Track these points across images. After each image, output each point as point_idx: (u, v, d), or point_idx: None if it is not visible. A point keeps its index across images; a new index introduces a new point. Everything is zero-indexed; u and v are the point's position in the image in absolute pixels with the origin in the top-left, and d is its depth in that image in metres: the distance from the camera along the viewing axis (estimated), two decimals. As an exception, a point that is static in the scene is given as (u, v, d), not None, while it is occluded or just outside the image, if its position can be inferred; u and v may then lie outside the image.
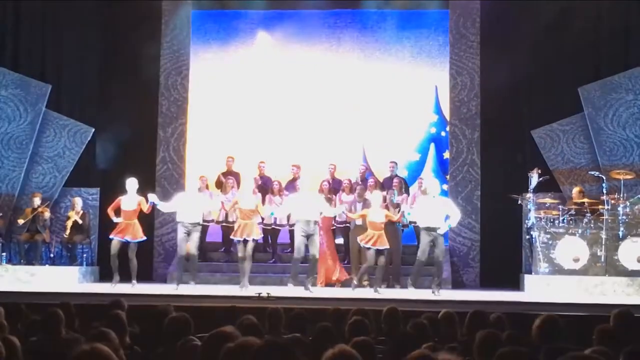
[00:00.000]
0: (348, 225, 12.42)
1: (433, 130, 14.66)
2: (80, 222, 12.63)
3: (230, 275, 11.29)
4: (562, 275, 11.58)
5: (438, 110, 14.63)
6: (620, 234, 11.67)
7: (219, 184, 13.21)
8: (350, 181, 12.86)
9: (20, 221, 12.43)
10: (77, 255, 12.66)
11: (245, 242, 10.99)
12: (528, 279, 11.76)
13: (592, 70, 13.43)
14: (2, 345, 4.09)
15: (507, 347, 3.88)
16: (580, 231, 11.72)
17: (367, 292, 11.02)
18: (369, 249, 10.99)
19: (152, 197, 11.37)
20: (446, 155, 14.20)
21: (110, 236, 11.33)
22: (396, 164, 13.26)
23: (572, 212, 11.83)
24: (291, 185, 12.76)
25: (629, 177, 12.02)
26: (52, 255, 12.80)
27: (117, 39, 14.12)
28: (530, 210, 11.96)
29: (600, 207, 11.75)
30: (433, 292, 10.71)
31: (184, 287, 10.97)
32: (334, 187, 12.85)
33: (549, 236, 11.78)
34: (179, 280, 11.12)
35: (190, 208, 11.20)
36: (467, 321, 5.80)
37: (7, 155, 13.19)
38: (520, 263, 12.69)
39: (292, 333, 5.41)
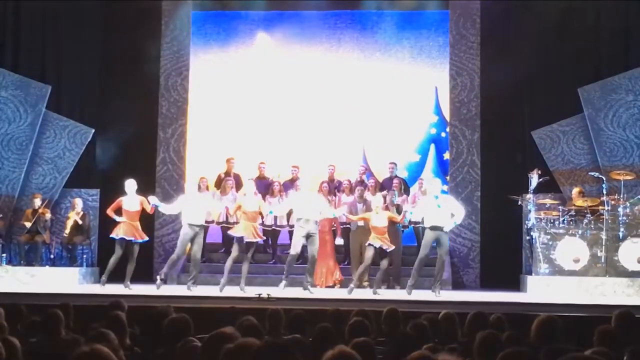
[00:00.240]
0: (348, 226, 12.41)
1: (433, 131, 14.66)
2: (80, 222, 12.63)
3: (231, 276, 11.27)
4: (562, 276, 11.58)
5: (438, 111, 14.63)
6: (621, 234, 11.67)
7: (219, 184, 13.21)
8: (350, 182, 12.86)
9: (27, 224, 12.40)
10: (77, 256, 12.66)
11: (246, 243, 10.97)
12: (528, 280, 11.76)
13: (592, 71, 13.43)
14: (2, 346, 4.09)
15: (509, 348, 3.87)
16: (580, 232, 11.72)
17: (367, 293, 11.01)
18: (372, 245, 10.89)
19: (153, 199, 11.37)
20: (446, 156, 14.20)
21: (113, 235, 11.21)
22: (396, 164, 13.26)
23: (572, 212, 11.83)
24: (290, 186, 12.77)
25: (629, 177, 12.02)
26: (52, 256, 12.79)
27: (117, 40, 14.11)
28: (530, 211, 11.96)
29: (600, 207, 11.75)
30: (434, 293, 10.69)
31: (184, 288, 10.96)
32: (333, 188, 12.85)
33: (549, 237, 11.77)
34: (165, 278, 11.12)
35: (196, 209, 11.21)
36: (467, 322, 5.80)
37: (7, 156, 13.19)
38: (521, 264, 12.69)
39: (292, 334, 5.41)
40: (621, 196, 11.81)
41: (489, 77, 13.38)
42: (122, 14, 13.87)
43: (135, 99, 13.71)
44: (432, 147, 14.64)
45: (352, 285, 11.01)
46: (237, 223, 11.62)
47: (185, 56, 14.19)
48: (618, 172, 12.10)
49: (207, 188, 12.83)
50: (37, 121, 13.26)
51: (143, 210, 11.36)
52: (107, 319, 5.38)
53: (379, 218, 11.03)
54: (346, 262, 12.65)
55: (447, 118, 14.11)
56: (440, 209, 10.75)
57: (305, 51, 14.78)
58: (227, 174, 13.32)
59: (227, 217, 12.82)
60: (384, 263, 11.02)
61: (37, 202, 12.60)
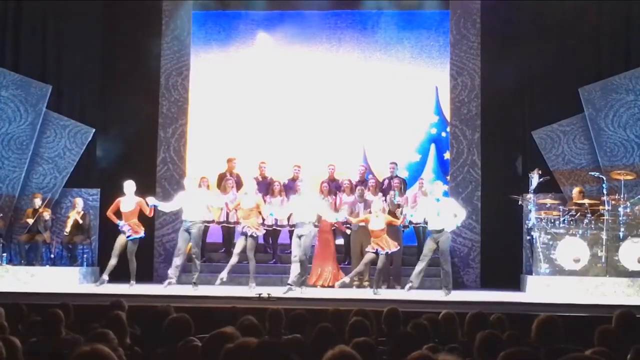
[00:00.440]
0: (349, 226, 12.40)
1: (433, 130, 14.67)
2: (80, 222, 12.63)
3: (231, 276, 11.28)
4: (563, 276, 11.58)
5: (438, 110, 14.64)
6: (621, 234, 11.67)
7: (220, 183, 13.20)
8: (350, 182, 12.86)
9: (30, 221, 12.42)
10: (78, 256, 12.66)
11: (245, 236, 11.03)
12: (528, 280, 11.76)
13: (592, 71, 13.42)
14: (3, 346, 4.09)
15: (509, 348, 3.87)
16: (580, 232, 11.72)
17: (367, 293, 11.02)
18: (369, 252, 11.04)
19: (152, 200, 11.41)
20: (447, 156, 14.20)
21: (117, 222, 11.31)
22: (396, 164, 13.27)
23: (573, 212, 11.83)
24: (291, 185, 12.76)
25: (629, 177, 12.02)
26: (52, 255, 12.79)
27: (118, 40, 14.10)
28: (530, 210, 11.96)
29: (600, 207, 11.75)
30: (444, 292, 10.71)
31: (184, 288, 10.97)
32: (333, 188, 12.85)
33: (549, 237, 11.77)
34: (172, 277, 11.15)
35: (193, 205, 11.25)
36: (467, 322, 5.80)
37: (8, 156, 13.19)
38: (521, 264, 12.68)
39: (292, 334, 5.41)
40: (621, 196, 11.81)
41: (490, 77, 13.38)
42: (123, 13, 13.86)
43: (135, 98, 13.70)
44: (433, 147, 14.64)
45: (344, 279, 11.15)
46: (237, 223, 11.64)
47: (186, 56, 14.18)
48: (618, 172, 12.10)
49: (208, 187, 12.83)
50: (38, 121, 13.26)
51: (142, 211, 11.38)
52: (107, 319, 5.38)
53: (378, 221, 11.11)
54: (346, 262, 12.64)
55: (448, 118, 14.10)
56: (441, 212, 10.81)
57: (305, 51, 14.79)
58: (228, 174, 13.32)
59: (227, 216, 12.83)
60: (380, 263, 11.06)
61: (38, 201, 12.60)
